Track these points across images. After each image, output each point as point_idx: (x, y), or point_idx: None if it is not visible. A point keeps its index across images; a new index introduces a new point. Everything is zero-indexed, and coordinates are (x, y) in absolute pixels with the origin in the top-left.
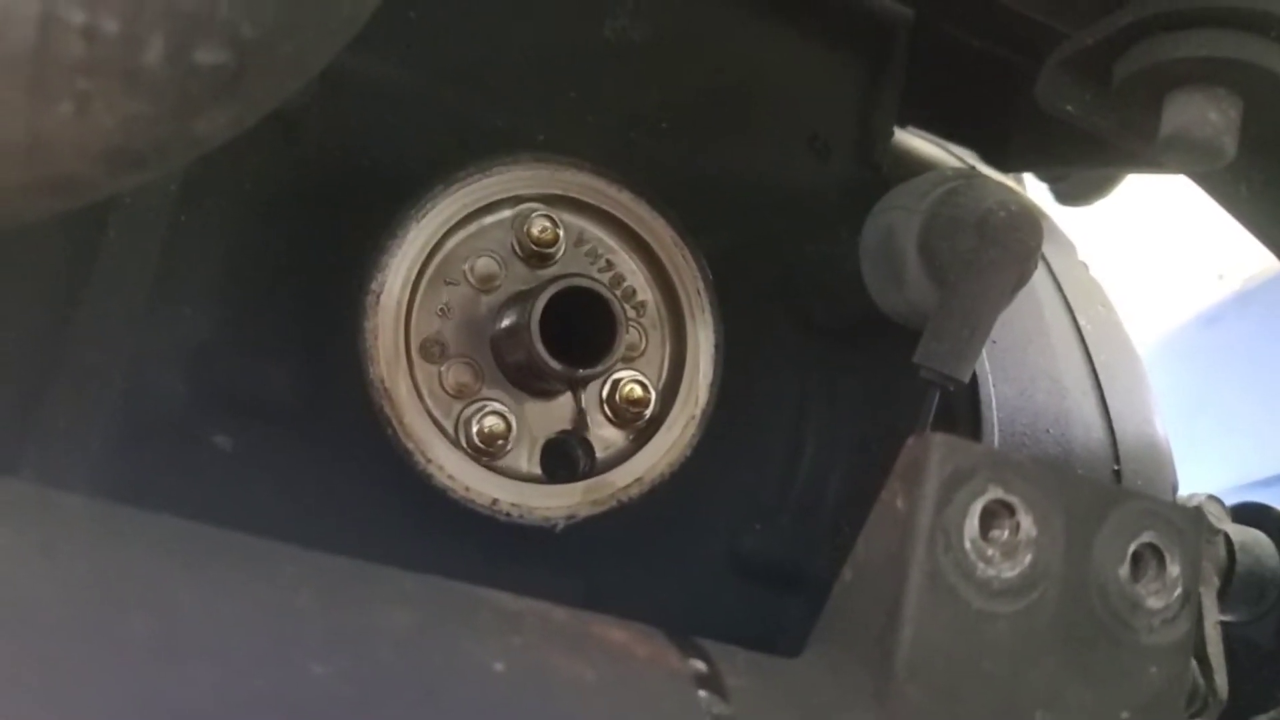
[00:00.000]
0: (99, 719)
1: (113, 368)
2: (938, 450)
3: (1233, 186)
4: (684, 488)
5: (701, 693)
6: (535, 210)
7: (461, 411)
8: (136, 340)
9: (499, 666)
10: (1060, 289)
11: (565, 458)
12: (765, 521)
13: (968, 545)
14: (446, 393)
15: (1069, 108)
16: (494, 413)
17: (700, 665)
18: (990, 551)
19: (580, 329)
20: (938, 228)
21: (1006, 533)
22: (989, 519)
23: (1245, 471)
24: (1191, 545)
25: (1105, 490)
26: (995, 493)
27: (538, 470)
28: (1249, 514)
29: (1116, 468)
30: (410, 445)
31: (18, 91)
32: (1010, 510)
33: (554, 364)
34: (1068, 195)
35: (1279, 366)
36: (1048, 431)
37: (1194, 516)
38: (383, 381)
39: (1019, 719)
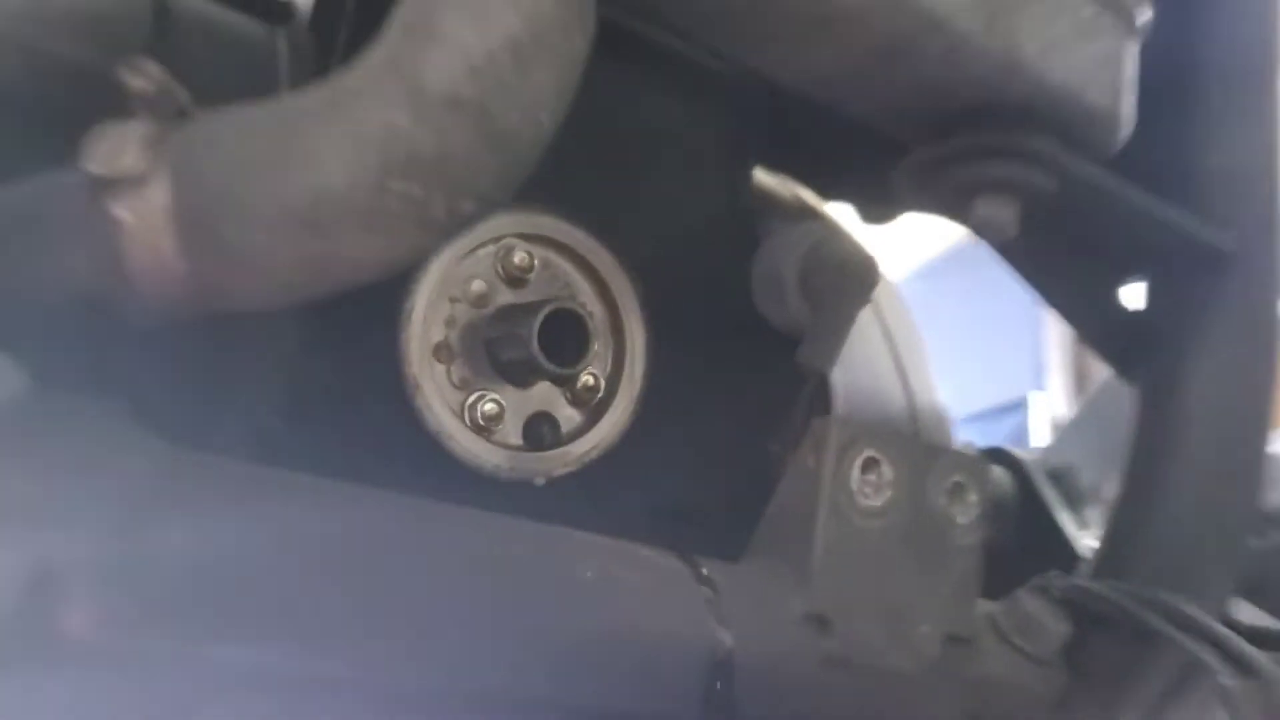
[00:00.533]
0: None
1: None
2: (836, 425)
3: (1012, 247)
4: (627, 452)
5: (702, 586)
6: (515, 245)
7: (465, 399)
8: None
9: (589, 574)
10: None
11: (539, 433)
12: (685, 475)
13: (853, 486)
14: (454, 385)
15: (913, 192)
16: (491, 400)
17: (698, 569)
18: (866, 489)
19: (549, 332)
20: (810, 267)
21: (875, 477)
22: (865, 468)
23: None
24: (981, 481)
25: (931, 447)
26: (870, 452)
27: (521, 442)
28: (992, 455)
29: (915, 430)
30: (436, 427)
31: (355, 231)
32: (877, 463)
33: (550, 366)
34: (869, 217)
35: (976, 319)
36: (870, 404)
37: (983, 464)
38: (415, 378)
39: (887, 596)
